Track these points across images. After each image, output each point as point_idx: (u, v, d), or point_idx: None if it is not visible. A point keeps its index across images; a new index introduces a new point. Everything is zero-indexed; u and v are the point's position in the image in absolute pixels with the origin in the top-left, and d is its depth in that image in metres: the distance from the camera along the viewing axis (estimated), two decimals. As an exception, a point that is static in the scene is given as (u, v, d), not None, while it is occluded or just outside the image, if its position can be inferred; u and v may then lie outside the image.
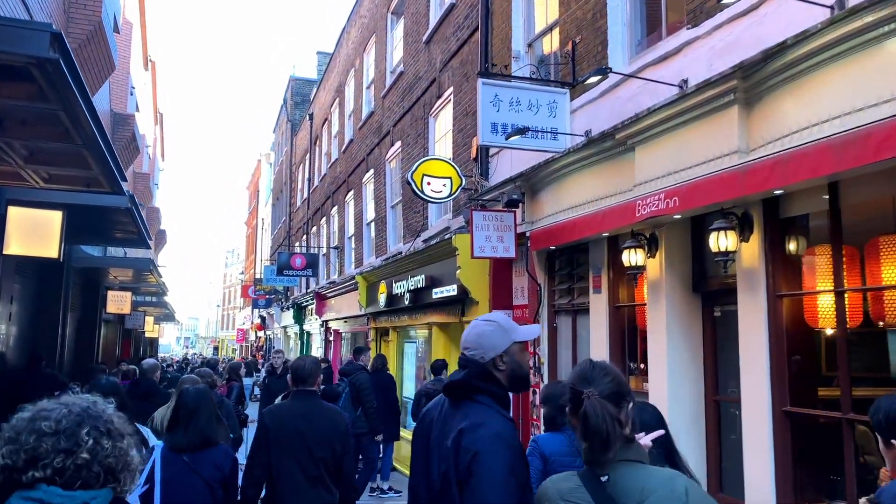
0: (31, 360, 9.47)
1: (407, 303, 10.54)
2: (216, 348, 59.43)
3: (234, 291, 70.87)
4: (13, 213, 6.98)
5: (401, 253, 11.95)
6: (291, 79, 30.09)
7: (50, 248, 7.08)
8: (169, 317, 29.94)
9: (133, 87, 20.48)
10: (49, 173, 6.44)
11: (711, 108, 4.76)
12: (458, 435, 2.23)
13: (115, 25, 16.56)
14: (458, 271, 8.36)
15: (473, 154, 9.09)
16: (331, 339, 18.19)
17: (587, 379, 2.09)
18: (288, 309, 24.42)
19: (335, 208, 18.92)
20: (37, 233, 7.08)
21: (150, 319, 24.25)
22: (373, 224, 14.75)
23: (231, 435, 6.04)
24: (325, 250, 19.64)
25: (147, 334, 28.88)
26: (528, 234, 7.20)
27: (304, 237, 23.28)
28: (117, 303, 15.47)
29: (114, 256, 14.44)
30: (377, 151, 14.34)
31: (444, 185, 8.79)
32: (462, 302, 8.84)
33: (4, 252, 6.93)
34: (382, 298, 11.87)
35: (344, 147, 17.69)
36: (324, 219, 20.71)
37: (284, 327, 27.58)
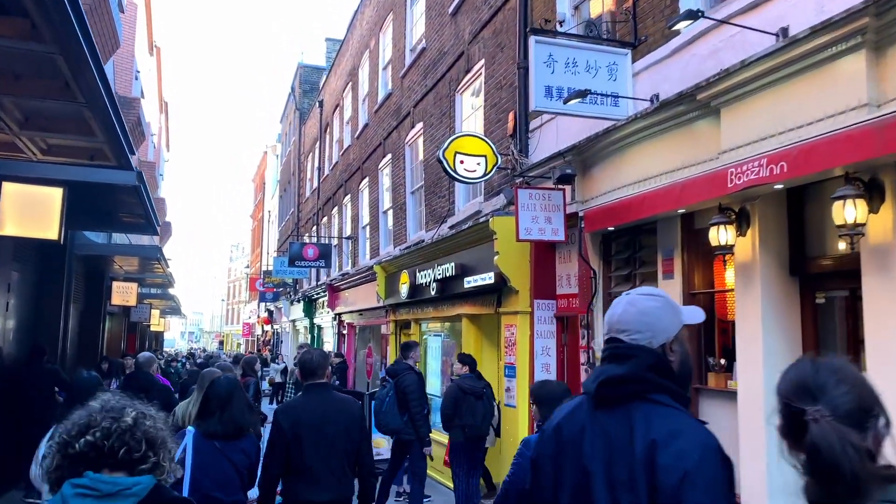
0: (33, 353, 8.77)
1: (433, 293, 9.81)
2: (221, 343, 58.83)
3: (239, 286, 70.29)
4: (8, 189, 6.24)
5: (423, 241, 11.22)
6: (299, 66, 29.33)
7: (49, 228, 6.35)
8: (175, 310, 29.28)
9: (138, 72, 19.76)
10: (48, 143, 5.72)
11: (829, 55, 4.01)
12: (648, 450, 1.57)
13: (119, 4, 15.85)
14: (495, 257, 7.63)
15: (510, 129, 8.34)
16: (344, 332, 17.48)
17: (811, 389, 1.41)
18: (298, 302, 23.72)
19: (347, 197, 18.19)
20: (35, 212, 6.35)
21: (155, 312, 23.58)
22: (390, 212, 14.02)
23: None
24: (336, 241, 18.92)
25: (153, 328, 28.23)
26: (580, 213, 6.46)
27: (315, 228, 22.56)
28: (122, 294, 14.77)
29: (119, 244, 13.72)
30: (395, 135, 13.60)
31: (479, 164, 8.05)
32: (498, 291, 8.11)
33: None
34: (404, 289, 11.14)
35: (358, 132, 16.94)
36: (335, 209, 19.98)
37: (293, 321, 26.88)
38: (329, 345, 20.70)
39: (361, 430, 4.06)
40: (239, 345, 59.10)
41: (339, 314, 17.90)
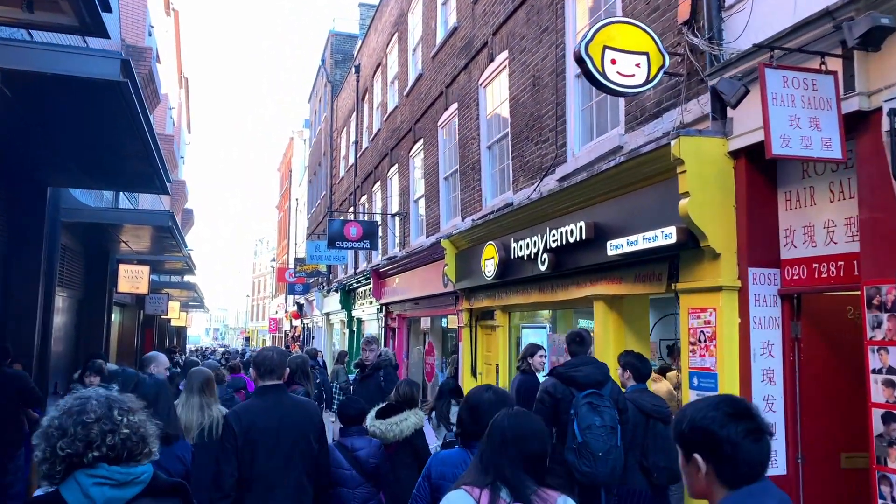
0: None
1: (542, 268, 7.02)
2: (247, 339, 56.72)
3: (264, 281, 68.37)
4: None
5: (510, 205, 8.45)
6: (331, 34, 26.67)
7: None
8: (197, 303, 26.84)
9: (152, 27, 17.24)
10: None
11: None
12: None
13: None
14: (682, 202, 4.82)
15: (684, 13, 5.50)
16: (393, 325, 14.77)
17: None
18: (335, 292, 21.05)
19: (394, 168, 15.47)
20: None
21: (175, 305, 21.09)
22: (455, 176, 11.25)
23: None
24: (380, 220, 16.20)
25: (173, 322, 25.85)
26: (887, 108, 3.61)
27: (351, 210, 19.89)
28: (131, 280, 12.20)
29: (117, 209, 11.10)
30: (464, 77, 10.82)
31: (639, 66, 5.26)
32: (674, 258, 5.30)
33: None
34: (490, 267, 8.37)
35: (408, 89, 14.20)
36: (377, 184, 17.28)
37: (327, 314, 24.29)
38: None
39: (321, 437, 3.91)
40: (264, 341, 56.99)
41: (386, 304, 15.20)
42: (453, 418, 6.91)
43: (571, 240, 6.45)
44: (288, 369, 5.93)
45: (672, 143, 4.86)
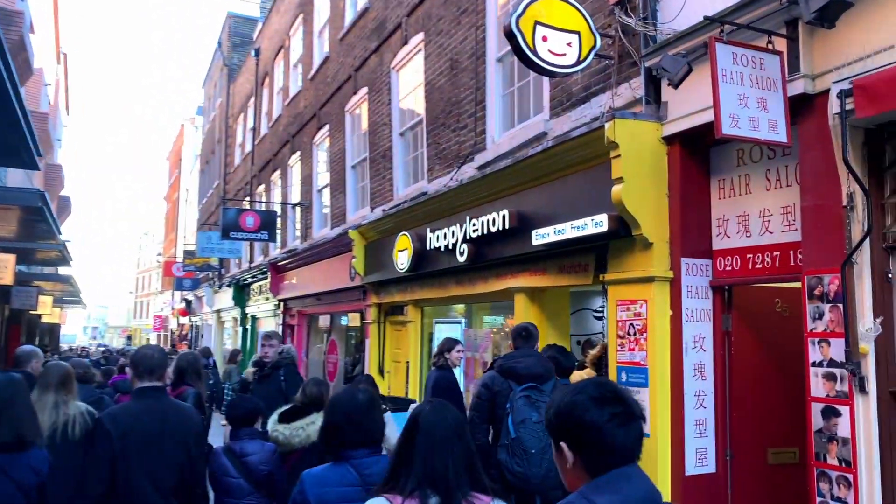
0: None
1: (461, 260, 6.65)
2: (129, 338, 53.29)
3: (149, 277, 64.62)
4: None
5: (425, 194, 8.05)
6: (229, 16, 25.28)
7: None
8: (74, 298, 24.70)
9: (24, -10, 15.53)
10: None
11: None
12: None
13: None
14: (618, 187, 4.57)
15: (617, -6, 5.28)
16: (292, 322, 14.00)
17: None
18: (227, 287, 19.87)
19: (296, 155, 14.71)
20: None
21: (46, 300, 19.18)
22: (365, 164, 10.71)
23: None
24: (279, 211, 15.34)
25: (45, 319, 23.62)
26: (836, 90, 3.47)
27: (247, 200, 18.83)
28: (-9, 269, 10.82)
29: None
30: (374, 61, 10.31)
31: (570, 45, 4.99)
32: (602, 248, 5.06)
33: None
34: (403, 259, 7.92)
35: (313, 72, 13.49)
36: (276, 173, 16.42)
37: (218, 312, 22.96)
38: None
39: (200, 445, 3.67)
40: (148, 340, 53.80)
41: (285, 300, 14.40)
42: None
43: (493, 229, 6.11)
44: (172, 369, 5.25)
45: (606, 125, 4.61)
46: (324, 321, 12.76)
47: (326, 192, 12.68)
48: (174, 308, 35.55)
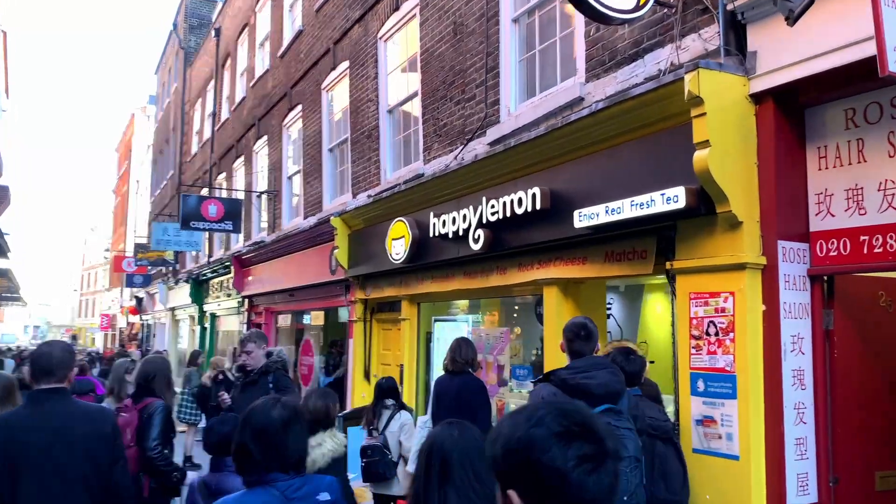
0: None
1: (477, 247, 5.71)
2: (74, 338, 50.73)
3: (96, 274, 61.82)
4: None
5: (421, 176, 7.12)
6: (185, -5, 23.81)
7: None
8: (13, 295, 22.87)
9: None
10: None
11: None
12: None
13: None
14: (702, 153, 3.71)
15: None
16: (259, 321, 12.84)
17: None
18: (184, 283, 18.48)
19: (263, 140, 13.56)
20: None
21: (-19, 297, 17.50)
22: (347, 145, 9.69)
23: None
24: (244, 200, 14.13)
25: (-21, 318, 21.77)
26: None
27: (206, 191, 17.51)
28: (-86, 260, 9.41)
29: None
30: (357, 32, 9.30)
31: (633, -11, 4.14)
32: (667, 230, 4.20)
33: None
34: (399, 248, 6.96)
35: (284, 49, 12.37)
36: (240, 159, 15.21)
37: (172, 310, 21.52)
38: (224, 339, 15.88)
39: (114, 449, 3.13)
40: (93, 340, 51.34)
41: (250, 297, 13.24)
42: (381, 424, 5.56)
43: (519, 211, 5.20)
44: (135, 376, 4.25)
45: (687, 77, 3.74)
46: (298, 319, 11.67)
47: (298, 179, 11.60)
48: (123, 306, 33.68)
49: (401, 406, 5.80)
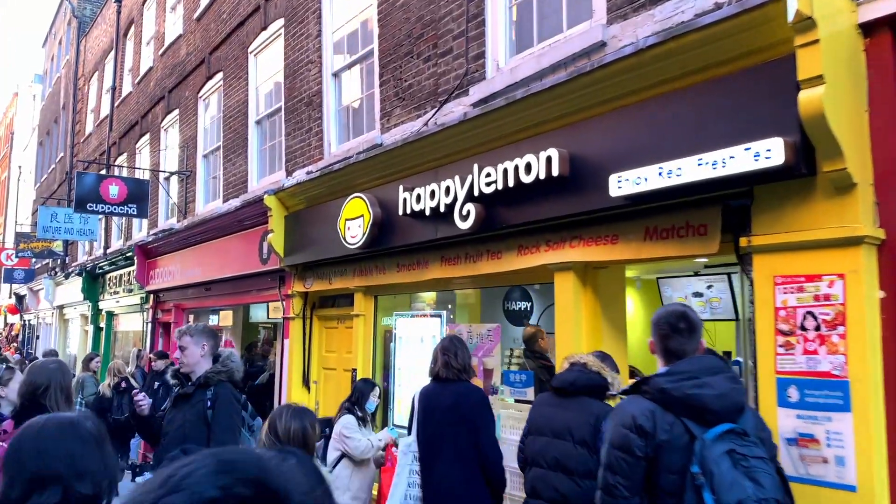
0: None
1: (466, 226, 4.66)
2: (-59, 340, 45.60)
3: (-30, 269, 56.00)
4: None
5: (378, 146, 6.01)
6: (80, -41, 21.39)
7: None
8: None
9: None
10: None
11: None
12: None
13: None
14: (813, 92, 2.84)
15: None
16: (167, 319, 11.23)
17: None
18: (77, 276, 16.34)
19: (173, 114, 11.95)
20: None
21: None
22: (279, 116, 8.39)
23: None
24: (151, 182, 12.41)
25: None
26: None
27: (104, 173, 15.49)
28: None
29: None
30: (296, -16, 8.04)
31: None
32: (740, 197, 3.32)
33: None
34: (356, 231, 5.81)
35: (202, 9, 10.85)
36: (145, 137, 13.46)
37: (61, 308, 19.17)
38: (122, 342, 14.05)
39: None
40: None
41: (156, 292, 11.59)
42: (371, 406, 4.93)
43: (527, 179, 4.20)
44: (20, 387, 3.05)
45: (792, -4, 2.86)
46: (215, 317, 10.21)
47: (217, 157, 10.16)
48: (1, 304, 30.26)
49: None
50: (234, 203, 8.96)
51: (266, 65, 8.92)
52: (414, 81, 5.98)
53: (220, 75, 10.13)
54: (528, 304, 7.24)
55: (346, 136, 7.15)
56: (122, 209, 10.54)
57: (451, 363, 4.08)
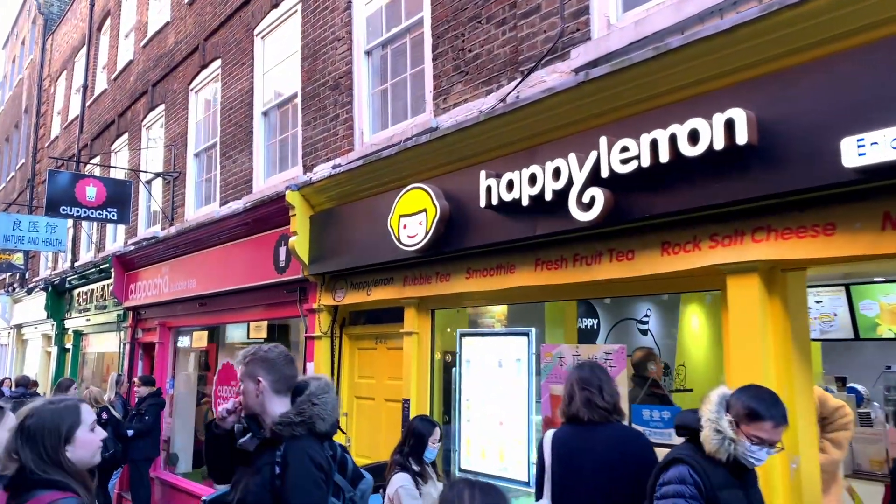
0: None
1: (588, 218, 3.57)
2: None
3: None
4: None
5: (433, 129, 4.95)
6: (47, -48, 19.98)
7: None
8: None
9: None
10: None
11: None
12: None
13: None
14: None
15: None
16: (151, 340, 9.86)
17: None
18: (42, 291, 14.76)
19: (158, 110, 10.70)
20: None
21: None
22: (295, 104, 7.26)
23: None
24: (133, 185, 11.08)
25: None
26: None
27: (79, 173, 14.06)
28: None
29: None
30: (318, -48, 6.96)
31: None
32: None
33: None
34: (415, 228, 4.70)
35: (194, -8, 9.70)
36: (122, 138, 12.14)
37: (19, 327, 17.49)
38: (91, 367, 12.59)
39: None
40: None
41: (137, 309, 10.23)
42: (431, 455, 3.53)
43: (691, 152, 3.17)
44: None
45: None
46: (211, 337, 8.93)
47: (211, 156, 8.95)
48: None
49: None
50: (237, 205, 7.76)
51: (277, 47, 7.79)
52: (482, 51, 4.94)
53: (217, 63, 8.96)
54: (595, 321, 6.24)
55: (383, 122, 6.06)
56: (99, 213, 9.23)
57: (595, 401, 3.02)
